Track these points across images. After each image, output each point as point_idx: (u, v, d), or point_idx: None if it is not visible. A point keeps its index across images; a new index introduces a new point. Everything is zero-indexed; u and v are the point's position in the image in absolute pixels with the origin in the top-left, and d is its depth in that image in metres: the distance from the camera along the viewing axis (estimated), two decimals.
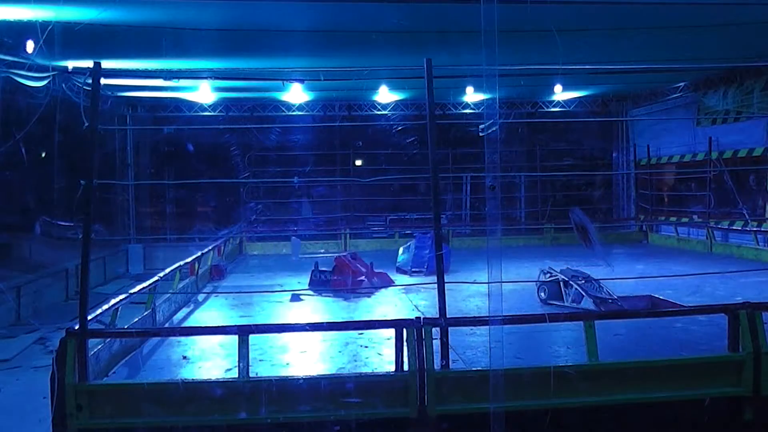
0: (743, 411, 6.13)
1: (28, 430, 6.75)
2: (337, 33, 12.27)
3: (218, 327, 9.13)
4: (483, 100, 20.99)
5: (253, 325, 8.82)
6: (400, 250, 17.78)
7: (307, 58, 14.77)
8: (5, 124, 11.84)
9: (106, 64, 7.71)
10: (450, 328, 6.29)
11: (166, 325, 11.29)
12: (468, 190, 25.07)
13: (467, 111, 22.63)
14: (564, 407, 5.98)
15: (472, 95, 21.21)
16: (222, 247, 18.93)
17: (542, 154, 25.31)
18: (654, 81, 19.85)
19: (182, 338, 9.71)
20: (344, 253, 16.22)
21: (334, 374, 7.52)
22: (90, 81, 6.20)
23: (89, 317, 6.28)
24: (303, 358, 9.11)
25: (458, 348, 8.38)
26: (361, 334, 9.74)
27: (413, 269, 16.44)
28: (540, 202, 25.49)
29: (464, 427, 5.94)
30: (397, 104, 22.55)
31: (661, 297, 11.26)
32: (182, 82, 16.47)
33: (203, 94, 18.28)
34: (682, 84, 20.40)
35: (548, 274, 12.32)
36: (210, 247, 17.14)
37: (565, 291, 11.81)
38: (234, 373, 6.27)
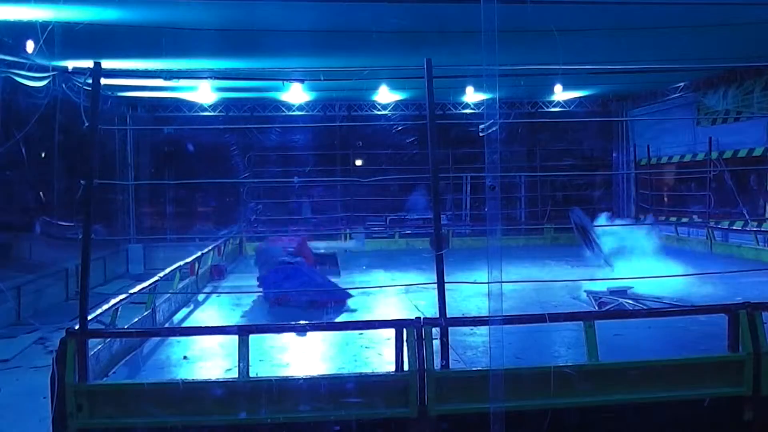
0: (743, 411, 6.13)
1: (28, 430, 6.75)
2: (337, 33, 12.27)
3: (218, 327, 9.14)
4: (483, 100, 20.97)
5: (253, 325, 8.85)
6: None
7: (307, 58, 14.77)
8: (5, 124, 11.85)
9: (106, 64, 7.71)
10: (450, 328, 6.29)
11: (166, 325, 11.29)
12: (468, 190, 25.07)
13: (467, 111, 22.63)
14: (564, 407, 5.98)
15: (472, 95, 21.20)
16: (222, 247, 18.93)
17: (542, 154, 25.30)
18: (654, 81, 19.85)
19: (182, 338, 9.71)
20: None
21: (334, 374, 7.53)
22: (90, 81, 6.20)
23: (89, 317, 6.29)
24: (303, 358, 9.12)
25: (458, 348, 8.38)
26: (361, 334, 9.74)
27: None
28: (540, 202, 25.49)
29: (464, 427, 5.94)
30: (397, 104, 22.54)
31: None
32: (182, 82, 16.46)
33: (203, 94, 18.27)
34: (682, 84, 20.39)
35: (599, 299, 11.86)
36: (210, 247, 17.14)
37: None
38: (234, 373, 6.27)
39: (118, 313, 8.79)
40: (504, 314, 6.34)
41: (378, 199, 24.26)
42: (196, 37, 12.01)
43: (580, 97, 23.10)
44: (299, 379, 6.44)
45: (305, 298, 12.22)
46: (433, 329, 6.13)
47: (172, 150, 22.84)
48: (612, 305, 11.49)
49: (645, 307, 10.82)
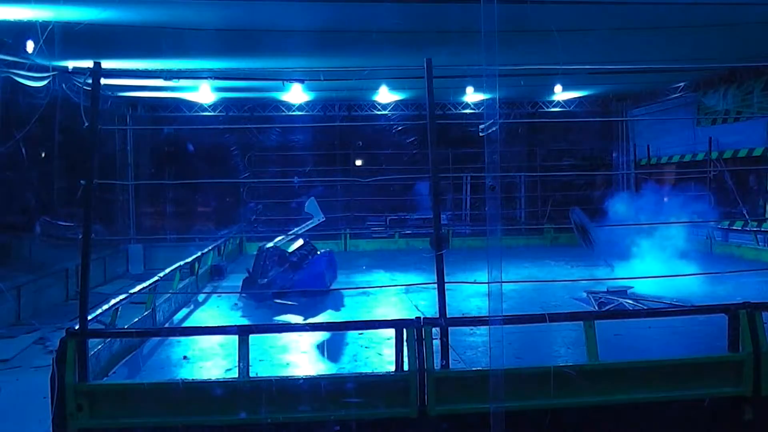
0: (743, 411, 6.13)
1: (28, 430, 6.75)
2: (337, 33, 12.27)
3: (218, 327, 9.14)
4: (483, 100, 20.98)
5: (253, 325, 8.85)
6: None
7: (307, 58, 14.77)
8: (5, 124, 11.84)
9: (106, 64, 7.71)
10: (450, 328, 6.29)
11: (166, 325, 11.30)
12: (468, 190, 25.07)
13: (467, 111, 22.63)
14: (564, 407, 5.98)
15: (472, 95, 21.20)
16: (222, 247, 18.93)
17: (542, 154, 25.30)
18: (654, 81, 19.84)
19: (182, 338, 9.72)
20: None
21: (334, 374, 7.53)
22: (90, 81, 6.20)
23: (89, 317, 6.28)
24: (303, 358, 9.13)
25: (458, 348, 8.39)
26: (361, 334, 9.75)
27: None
28: (540, 202, 25.50)
29: (464, 427, 5.94)
30: (397, 104, 22.54)
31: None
32: (182, 82, 16.46)
33: (203, 94, 18.28)
34: (682, 84, 20.39)
35: (599, 299, 11.92)
36: (210, 247, 17.14)
37: None
38: (234, 373, 6.28)
39: (118, 313, 8.80)
40: (504, 314, 6.34)
41: (378, 199, 24.26)
42: (196, 37, 12.00)
43: (580, 97, 23.10)
44: (299, 379, 6.44)
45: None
46: (433, 329, 6.12)
47: (172, 150, 22.81)
48: (612, 305, 11.49)
49: (645, 307, 10.82)
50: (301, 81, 17.34)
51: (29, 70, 12.25)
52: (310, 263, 14.26)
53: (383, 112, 22.90)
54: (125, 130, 21.88)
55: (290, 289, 13.09)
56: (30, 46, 11.16)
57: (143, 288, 10.29)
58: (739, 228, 18.53)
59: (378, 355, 8.98)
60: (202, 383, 6.50)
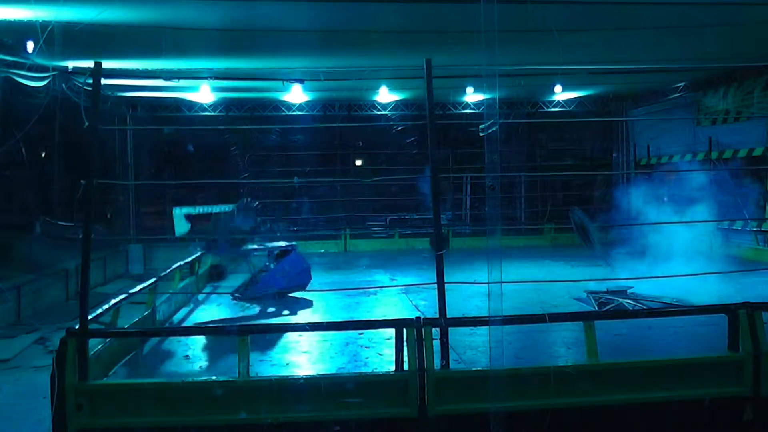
0: (743, 411, 6.13)
1: (28, 430, 6.75)
2: (337, 33, 12.27)
3: (218, 327, 9.15)
4: (483, 100, 20.97)
5: (253, 324, 8.87)
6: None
7: (307, 58, 14.77)
8: (5, 124, 11.85)
9: (106, 64, 7.71)
10: (450, 328, 6.29)
11: (166, 325, 11.30)
12: (468, 190, 25.09)
13: (467, 111, 22.64)
14: (564, 407, 5.98)
15: (472, 95, 21.21)
16: None
17: (542, 154, 25.32)
18: (654, 81, 19.84)
19: (182, 338, 9.73)
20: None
21: (334, 374, 7.53)
22: (90, 81, 6.20)
23: (89, 317, 6.28)
24: (303, 358, 9.13)
25: (458, 348, 8.40)
26: (361, 334, 9.76)
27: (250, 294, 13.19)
28: (540, 202, 25.50)
29: (464, 427, 5.94)
30: (397, 104, 22.55)
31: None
32: (182, 82, 16.45)
33: (203, 94, 18.27)
34: (682, 84, 20.38)
35: (599, 299, 11.85)
36: None
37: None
38: (234, 373, 6.28)
39: (118, 313, 8.80)
40: (504, 314, 6.33)
41: (378, 199, 24.27)
42: (196, 37, 12.00)
43: (580, 97, 23.09)
44: (299, 379, 6.45)
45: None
46: (433, 329, 6.13)
47: (172, 150, 22.82)
48: (612, 305, 11.48)
49: (645, 307, 10.82)
50: (301, 81, 17.33)
51: (29, 70, 12.26)
52: (287, 260, 13.97)
53: (383, 112, 22.90)
54: (125, 130, 21.87)
55: (274, 286, 13.14)
56: (30, 46, 11.16)
57: (143, 288, 10.28)
58: (739, 228, 18.53)
59: (378, 355, 8.98)
60: (202, 383, 6.50)
